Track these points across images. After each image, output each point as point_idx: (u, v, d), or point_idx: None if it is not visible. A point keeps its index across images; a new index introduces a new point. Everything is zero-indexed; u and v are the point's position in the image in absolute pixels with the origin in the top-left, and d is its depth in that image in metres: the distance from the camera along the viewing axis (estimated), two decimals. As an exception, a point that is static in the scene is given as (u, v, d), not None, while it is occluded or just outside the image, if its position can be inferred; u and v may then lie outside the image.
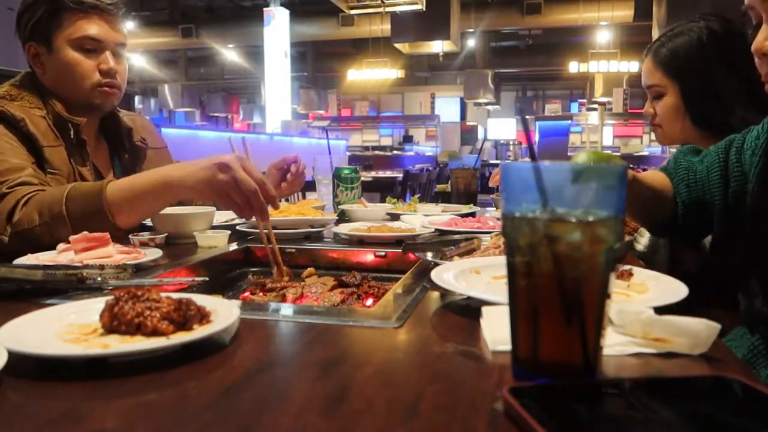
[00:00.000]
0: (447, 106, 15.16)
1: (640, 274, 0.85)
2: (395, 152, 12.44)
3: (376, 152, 12.27)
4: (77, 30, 1.41)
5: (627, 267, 0.86)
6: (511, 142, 15.95)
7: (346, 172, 1.90)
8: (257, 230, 1.38)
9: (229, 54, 14.37)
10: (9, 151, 1.30)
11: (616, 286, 0.59)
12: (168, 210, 1.41)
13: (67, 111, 1.43)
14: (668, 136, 1.51)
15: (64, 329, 0.64)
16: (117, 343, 0.60)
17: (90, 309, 0.68)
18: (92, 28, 1.42)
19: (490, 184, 1.80)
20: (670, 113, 1.44)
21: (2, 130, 1.33)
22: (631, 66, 10.17)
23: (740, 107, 1.31)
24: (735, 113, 1.30)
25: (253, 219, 1.16)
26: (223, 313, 0.66)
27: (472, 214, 1.72)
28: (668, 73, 1.40)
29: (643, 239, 1.46)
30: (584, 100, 15.92)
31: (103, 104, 1.48)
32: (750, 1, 0.87)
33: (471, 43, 12.96)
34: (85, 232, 1.05)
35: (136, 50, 12.60)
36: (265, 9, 9.32)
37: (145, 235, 1.25)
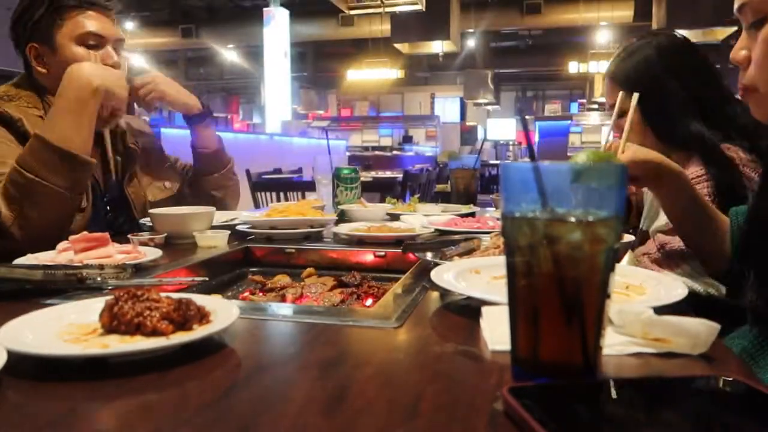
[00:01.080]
0: (449, 106, 15.17)
1: (640, 274, 0.85)
2: (395, 152, 12.44)
3: (376, 152, 12.27)
4: (79, 26, 1.43)
5: None
6: (510, 143, 15.95)
7: (345, 172, 1.90)
8: (257, 230, 1.38)
9: (229, 54, 14.36)
10: (6, 151, 1.31)
11: (615, 286, 0.59)
12: (168, 210, 1.42)
13: None
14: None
15: (64, 329, 0.64)
16: (117, 343, 0.60)
17: (90, 309, 0.68)
18: (93, 24, 1.45)
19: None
20: (634, 129, 1.40)
21: (1, 129, 1.34)
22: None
23: (695, 120, 1.32)
24: (690, 126, 1.31)
25: (256, 216, 1.17)
26: (222, 313, 0.66)
27: (472, 214, 1.72)
28: (625, 91, 1.39)
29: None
30: (584, 100, 15.92)
31: None
32: (735, 13, 0.90)
33: (471, 43, 12.95)
34: (85, 233, 1.05)
35: (136, 50, 12.58)
36: (265, 9, 9.32)
37: (145, 235, 1.26)
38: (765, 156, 0.94)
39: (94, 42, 1.45)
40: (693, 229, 1.12)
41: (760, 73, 0.84)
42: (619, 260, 0.89)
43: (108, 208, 1.55)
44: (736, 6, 0.88)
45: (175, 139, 5.23)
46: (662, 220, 1.21)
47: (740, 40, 0.89)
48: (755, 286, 0.89)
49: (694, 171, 1.24)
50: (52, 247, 1.06)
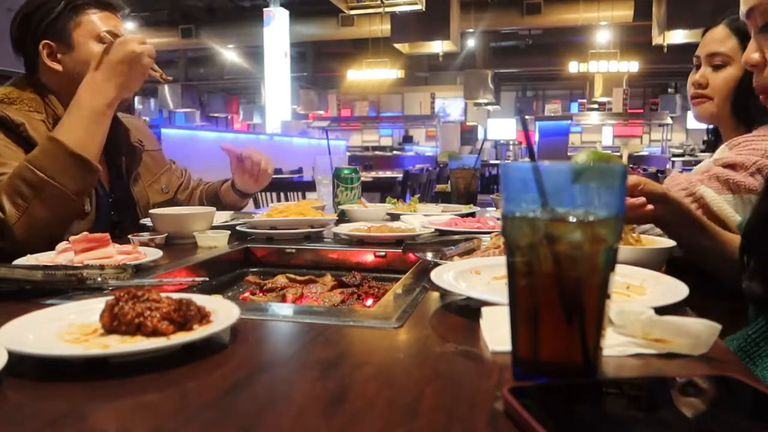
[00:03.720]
0: (452, 107, 15.18)
1: (641, 274, 0.85)
2: (395, 152, 12.44)
3: (376, 152, 12.27)
4: (98, 25, 1.47)
5: None
6: (511, 142, 15.95)
7: (346, 172, 1.90)
8: (257, 230, 1.38)
9: (229, 54, 14.37)
10: (7, 153, 1.31)
11: (615, 286, 0.59)
12: (168, 210, 1.42)
13: None
14: (712, 110, 1.47)
15: (64, 329, 0.64)
16: (117, 343, 0.60)
17: (90, 309, 0.68)
18: (110, 23, 1.49)
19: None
20: (728, 86, 1.42)
21: (0, 134, 1.34)
22: (631, 66, 10.17)
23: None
24: (757, 103, 1.35)
25: (258, 217, 1.18)
26: (223, 313, 0.66)
27: (472, 214, 1.72)
28: (743, 44, 1.38)
29: None
30: (584, 100, 15.92)
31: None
32: (742, 17, 0.91)
33: (471, 43, 12.96)
34: (86, 233, 1.05)
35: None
36: (264, 9, 9.32)
37: (145, 236, 1.26)
38: None
39: (111, 40, 1.46)
40: (694, 251, 1.14)
41: None
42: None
43: (112, 208, 1.55)
44: (744, 10, 0.89)
45: (175, 139, 5.23)
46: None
47: (751, 43, 0.90)
48: (757, 275, 0.90)
49: (750, 142, 1.33)
50: (51, 249, 1.06)
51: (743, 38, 1.40)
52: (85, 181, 1.30)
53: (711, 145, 1.59)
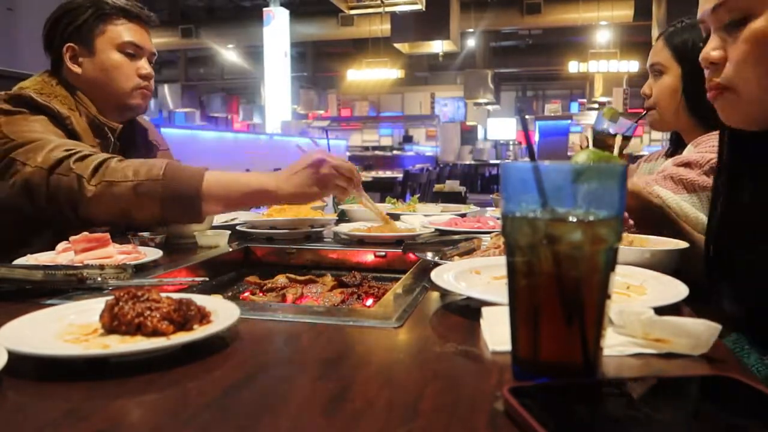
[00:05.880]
0: (452, 106, 15.19)
1: (641, 274, 0.85)
2: (395, 152, 12.45)
3: (376, 152, 12.28)
4: (121, 35, 1.48)
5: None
6: (511, 142, 15.96)
7: (346, 172, 1.90)
8: (257, 230, 1.38)
9: (229, 54, 14.36)
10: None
11: (616, 286, 0.59)
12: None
13: (99, 114, 1.46)
14: (661, 119, 1.56)
15: (64, 329, 0.64)
16: (117, 343, 0.60)
17: (90, 309, 0.68)
18: (134, 34, 1.50)
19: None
20: (666, 93, 1.52)
21: (46, 124, 1.33)
22: (631, 66, 10.16)
23: None
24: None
25: (262, 215, 1.16)
26: (223, 313, 0.66)
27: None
28: (675, 54, 1.50)
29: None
30: (584, 100, 15.92)
31: (139, 106, 1.54)
32: (701, 15, 0.90)
33: (471, 43, 12.96)
34: (86, 233, 1.05)
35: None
36: (264, 9, 9.32)
37: (145, 235, 1.26)
38: (726, 170, 0.96)
39: (132, 51, 1.49)
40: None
41: (740, 73, 0.84)
42: None
43: None
44: (708, 7, 0.87)
45: (175, 139, 5.23)
46: None
47: (712, 39, 0.89)
48: (729, 296, 0.90)
49: (710, 139, 1.38)
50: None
51: (674, 50, 1.50)
52: (175, 213, 1.19)
53: (671, 153, 1.63)
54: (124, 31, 1.49)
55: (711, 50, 0.88)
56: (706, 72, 0.90)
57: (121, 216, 1.18)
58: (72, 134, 1.36)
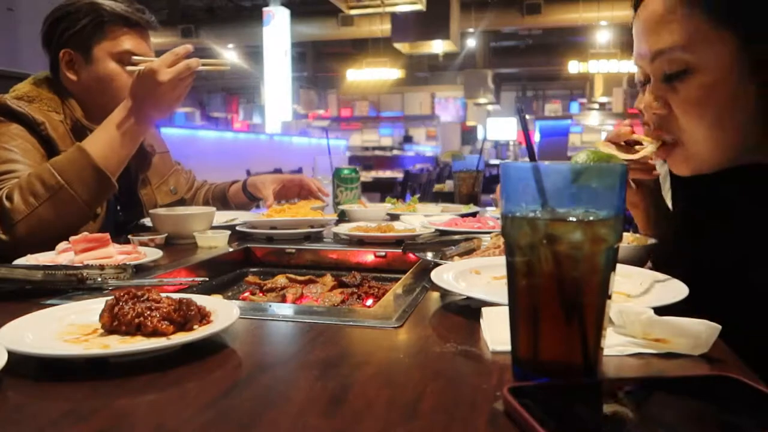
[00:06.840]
0: (452, 107, 15.19)
1: (641, 274, 0.85)
2: (395, 152, 12.46)
3: (376, 152, 12.29)
4: (119, 44, 1.46)
5: None
6: (511, 142, 15.97)
7: (345, 172, 1.90)
8: (257, 230, 1.38)
9: (229, 54, 14.36)
10: (20, 153, 1.31)
11: (615, 285, 0.59)
12: (168, 210, 1.42)
13: (86, 118, 1.46)
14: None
15: (64, 329, 0.64)
16: (117, 343, 0.60)
17: (90, 309, 0.68)
18: (132, 43, 1.48)
19: None
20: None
21: (20, 131, 1.34)
22: (631, 66, 10.16)
23: None
24: None
25: (262, 215, 1.18)
26: (223, 313, 0.66)
27: (474, 214, 1.72)
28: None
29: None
30: (584, 100, 15.92)
31: None
32: (637, 59, 0.88)
33: (471, 43, 12.96)
34: (86, 233, 1.05)
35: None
36: (265, 9, 9.33)
37: (145, 236, 1.26)
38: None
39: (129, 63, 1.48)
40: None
41: (689, 129, 0.83)
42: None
43: (119, 209, 1.56)
44: (647, 53, 0.84)
45: (175, 139, 5.24)
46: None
47: (652, 89, 0.86)
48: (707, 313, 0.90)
49: None
50: (50, 249, 1.06)
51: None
52: (100, 194, 1.28)
53: None
54: (123, 39, 1.47)
55: (653, 101, 0.86)
56: (648, 121, 0.89)
57: (57, 234, 1.16)
58: (46, 140, 1.36)
